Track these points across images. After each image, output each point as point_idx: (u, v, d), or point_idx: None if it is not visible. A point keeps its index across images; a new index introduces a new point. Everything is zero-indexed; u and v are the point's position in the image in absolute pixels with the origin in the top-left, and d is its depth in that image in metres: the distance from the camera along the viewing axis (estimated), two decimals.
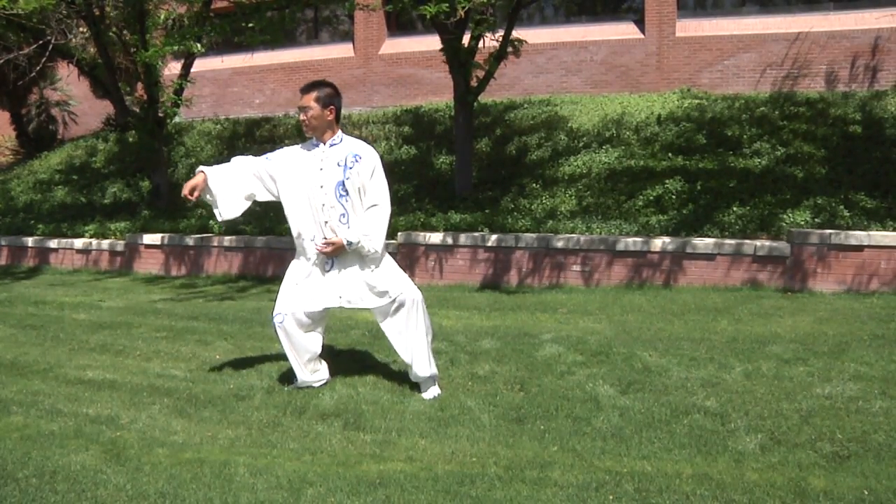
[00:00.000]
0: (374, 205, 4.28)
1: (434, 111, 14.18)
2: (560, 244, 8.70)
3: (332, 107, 4.33)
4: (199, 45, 11.15)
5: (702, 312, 6.72)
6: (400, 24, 16.28)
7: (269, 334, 6.15)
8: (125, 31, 12.61)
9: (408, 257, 9.34)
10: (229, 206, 4.50)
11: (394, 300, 4.29)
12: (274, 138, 14.66)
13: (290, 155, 4.48)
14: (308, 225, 4.38)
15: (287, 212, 4.46)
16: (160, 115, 12.38)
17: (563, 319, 6.60)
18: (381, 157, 4.49)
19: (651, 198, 9.59)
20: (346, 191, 4.29)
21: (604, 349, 5.20)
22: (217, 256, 10.76)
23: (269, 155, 4.55)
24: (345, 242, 4.25)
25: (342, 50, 16.61)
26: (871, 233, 7.76)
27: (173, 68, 13.64)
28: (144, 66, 11.64)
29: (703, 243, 8.22)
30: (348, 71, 16.22)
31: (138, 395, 4.57)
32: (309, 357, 4.47)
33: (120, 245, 11.67)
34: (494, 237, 8.98)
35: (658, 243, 8.36)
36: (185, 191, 4.37)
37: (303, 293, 4.40)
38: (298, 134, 14.45)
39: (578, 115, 12.61)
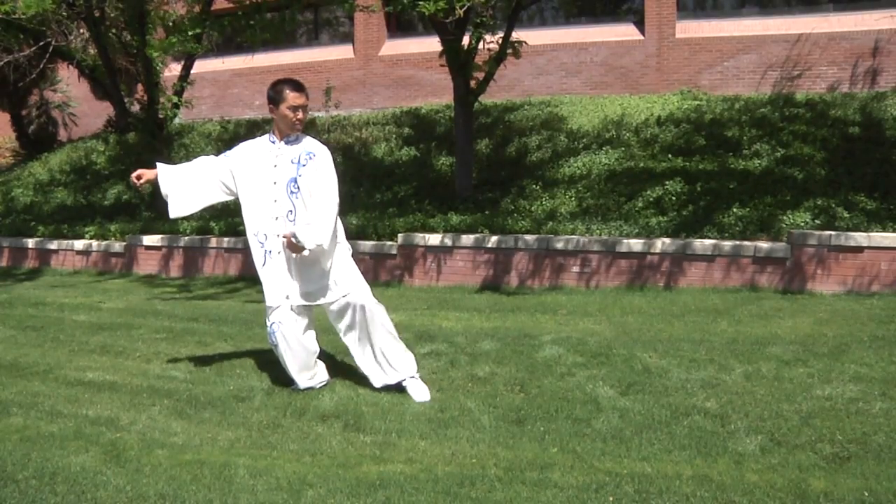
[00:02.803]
0: (322, 202, 4.28)
1: (434, 112, 14.19)
2: (560, 245, 8.70)
3: None
4: (198, 45, 11.16)
5: (702, 314, 6.72)
6: (400, 26, 16.29)
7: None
8: (125, 33, 12.62)
9: (407, 258, 9.34)
10: (179, 205, 4.62)
11: (345, 296, 4.31)
12: None
13: (246, 151, 4.53)
14: (259, 220, 4.43)
15: (242, 207, 4.52)
16: (160, 116, 12.39)
17: (563, 321, 6.60)
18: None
19: (651, 199, 9.59)
20: (298, 187, 4.32)
21: (604, 350, 5.20)
22: (216, 258, 10.77)
23: (227, 153, 4.63)
24: (291, 234, 4.25)
25: (342, 51, 16.62)
26: (871, 234, 7.76)
27: (173, 70, 13.65)
28: (144, 68, 11.64)
29: (703, 245, 8.22)
30: (348, 72, 16.23)
31: (138, 396, 4.57)
32: (307, 358, 4.47)
33: (120, 246, 11.67)
34: (494, 238, 8.98)
35: (658, 244, 8.36)
36: (133, 175, 4.56)
37: (283, 287, 4.41)
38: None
39: (578, 117, 12.62)
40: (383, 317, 4.40)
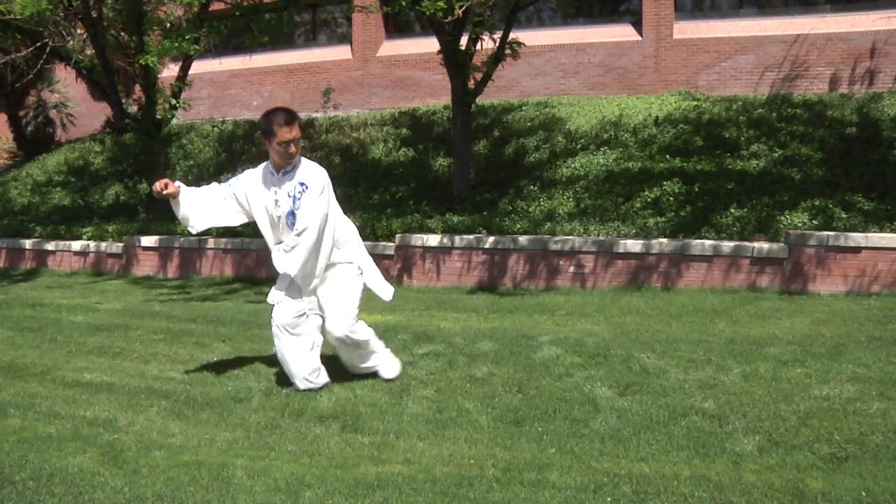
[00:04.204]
0: (299, 231, 4.35)
1: (432, 113, 14.19)
2: (558, 246, 8.71)
3: None
4: (196, 46, 11.15)
5: (700, 314, 6.72)
6: (398, 26, 16.29)
7: (267, 336, 6.14)
8: (123, 34, 12.61)
9: (405, 259, 9.34)
10: (197, 221, 4.68)
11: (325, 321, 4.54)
12: None
13: (251, 183, 4.58)
14: (271, 247, 4.59)
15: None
16: (158, 117, 12.38)
17: (561, 321, 6.60)
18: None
19: (649, 200, 9.60)
20: (296, 219, 4.38)
21: (602, 351, 5.20)
22: (213, 259, 10.76)
23: (231, 182, 4.68)
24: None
25: (340, 52, 16.61)
26: (869, 234, 7.77)
27: (171, 70, 13.64)
28: (142, 69, 11.64)
29: (701, 245, 8.22)
30: (346, 73, 16.22)
31: (136, 397, 4.57)
32: (308, 358, 4.47)
33: (117, 247, 11.66)
34: (492, 239, 8.99)
35: (656, 245, 8.37)
36: (158, 185, 4.54)
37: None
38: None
39: (576, 117, 12.62)
40: (364, 343, 4.58)
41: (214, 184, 4.78)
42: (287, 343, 4.44)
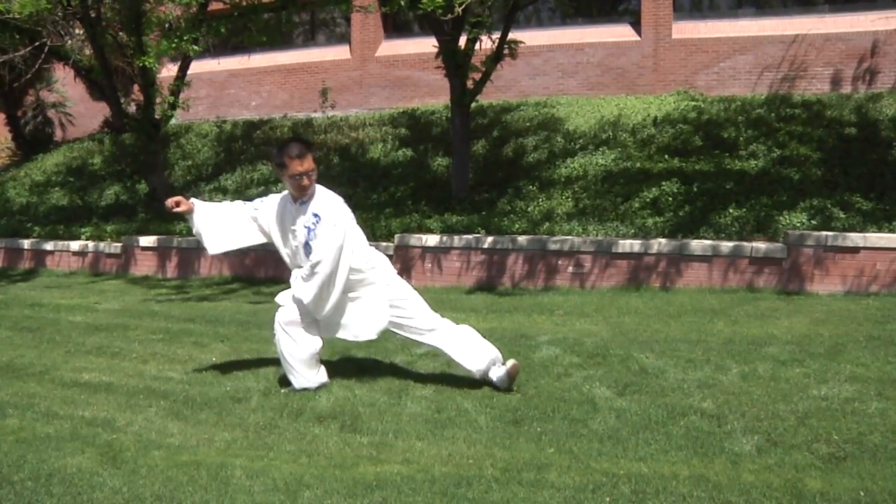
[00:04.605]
0: (313, 262, 4.31)
1: (430, 113, 14.18)
2: (556, 246, 8.71)
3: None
4: (195, 47, 11.15)
5: (698, 314, 6.73)
6: (396, 26, 16.29)
7: (265, 336, 6.14)
8: (122, 33, 12.60)
9: (404, 259, 9.34)
10: (216, 242, 4.68)
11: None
12: (270, 140, 14.65)
13: (273, 210, 4.58)
14: (295, 267, 4.56)
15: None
16: (157, 117, 12.37)
17: (559, 321, 6.60)
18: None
19: (647, 200, 9.60)
20: (311, 249, 4.36)
21: (600, 351, 5.21)
22: (212, 259, 10.73)
23: (256, 205, 4.67)
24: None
25: (339, 52, 16.60)
26: (867, 234, 7.77)
27: (170, 70, 13.63)
28: (141, 69, 11.64)
29: (700, 245, 8.23)
30: (345, 73, 16.22)
31: (134, 397, 4.56)
32: (309, 359, 4.47)
33: (116, 247, 11.65)
34: (490, 239, 8.98)
35: (654, 245, 8.37)
36: (170, 202, 4.55)
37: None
38: (294, 137, 14.45)
39: (575, 117, 12.62)
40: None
41: (239, 202, 4.76)
42: (287, 342, 4.44)
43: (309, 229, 4.34)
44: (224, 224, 4.65)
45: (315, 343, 4.48)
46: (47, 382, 4.99)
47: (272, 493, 3.15)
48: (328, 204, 4.39)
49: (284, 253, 4.59)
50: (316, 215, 4.34)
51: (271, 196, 4.68)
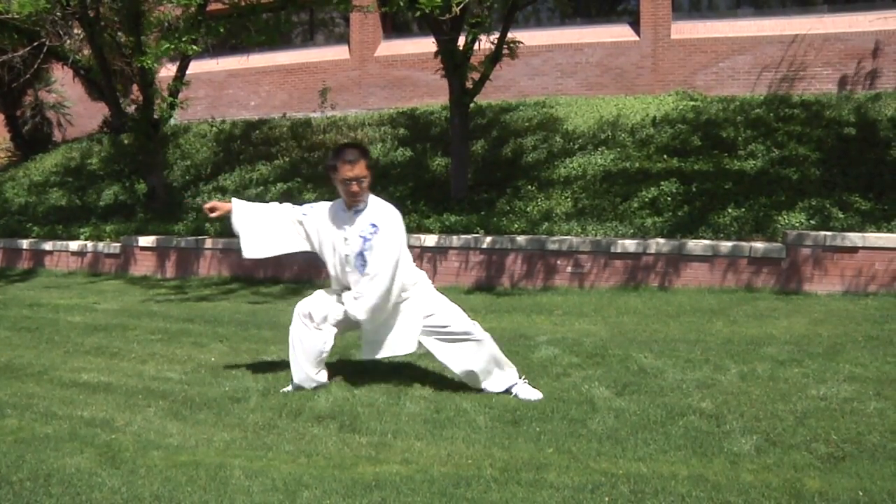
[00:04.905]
0: (374, 274, 4.27)
1: (429, 113, 14.18)
2: (555, 246, 8.71)
3: (372, 169, 4.36)
4: (194, 47, 11.15)
5: (697, 314, 6.73)
6: (395, 26, 16.29)
7: (264, 336, 6.15)
8: (121, 34, 12.59)
9: None
10: (255, 247, 4.57)
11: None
12: (269, 140, 14.64)
13: (324, 217, 4.49)
14: (340, 282, 4.48)
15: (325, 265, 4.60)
16: (155, 117, 12.36)
17: (558, 321, 6.60)
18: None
19: (646, 200, 9.60)
20: (365, 261, 4.30)
21: (599, 351, 5.21)
22: (211, 259, 10.75)
23: (306, 211, 4.57)
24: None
25: (338, 52, 16.60)
26: (866, 234, 7.78)
27: (168, 70, 13.63)
28: (140, 69, 11.63)
29: (699, 245, 8.23)
30: (344, 73, 16.22)
31: (133, 397, 4.56)
32: (315, 357, 4.47)
33: (115, 247, 11.65)
34: (489, 239, 8.99)
35: (653, 245, 8.37)
36: (207, 206, 4.49)
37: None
38: (293, 137, 14.45)
39: (574, 117, 12.62)
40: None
41: (286, 205, 4.66)
42: (300, 333, 4.44)
43: (365, 238, 4.28)
44: (266, 228, 4.55)
45: (326, 342, 4.46)
46: (46, 382, 4.99)
47: (271, 493, 3.14)
48: (386, 214, 4.35)
49: (331, 263, 4.48)
50: (374, 225, 4.29)
51: (321, 203, 4.62)
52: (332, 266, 4.49)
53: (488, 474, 3.25)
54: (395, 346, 4.42)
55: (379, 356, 4.49)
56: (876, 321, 6.14)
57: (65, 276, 11.56)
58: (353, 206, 4.36)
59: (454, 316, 4.44)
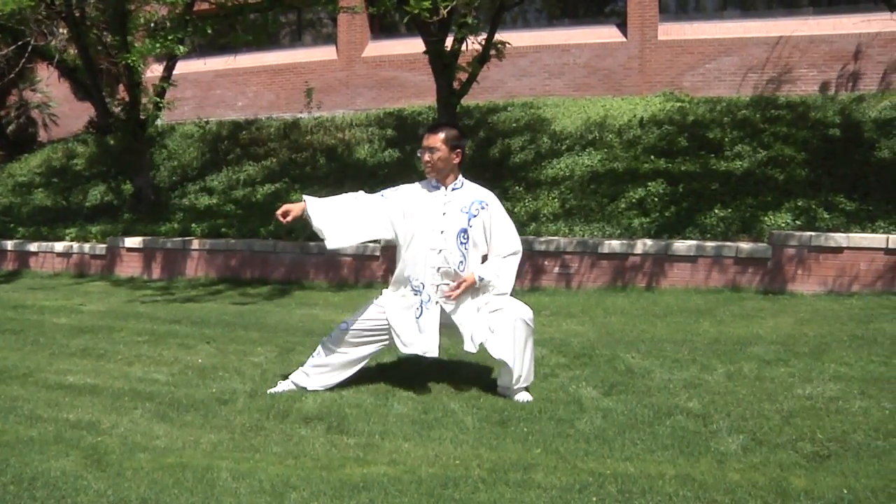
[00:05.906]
0: (513, 252, 4.29)
1: (417, 114, 14.18)
2: (542, 247, 8.73)
3: (458, 150, 4.29)
4: (181, 46, 11.10)
5: (684, 314, 6.76)
6: (383, 27, 16.28)
7: (251, 338, 6.13)
8: (106, 33, 12.52)
9: (391, 260, 9.29)
10: (338, 236, 4.37)
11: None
12: (257, 141, 14.60)
13: (409, 195, 4.39)
14: (420, 270, 4.29)
15: (401, 253, 4.38)
16: (142, 117, 12.30)
17: (545, 322, 6.62)
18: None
19: (633, 200, 9.64)
20: (468, 237, 4.26)
21: (587, 351, 5.22)
22: (198, 260, 10.70)
23: (384, 193, 4.47)
24: (476, 278, 4.22)
25: (325, 52, 16.57)
26: (851, 235, 7.84)
27: (155, 70, 13.57)
28: (126, 68, 11.57)
29: (686, 245, 8.27)
30: (331, 73, 16.19)
31: (119, 399, 4.53)
32: (334, 371, 4.45)
33: (101, 248, 11.58)
34: None
35: (640, 245, 8.41)
36: (279, 212, 4.32)
37: (399, 326, 4.33)
38: (284, 136, 14.40)
39: (561, 118, 12.66)
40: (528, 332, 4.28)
41: (361, 193, 4.54)
42: (337, 343, 4.40)
43: (471, 215, 4.25)
44: (347, 216, 4.37)
45: (349, 362, 4.44)
46: (31, 385, 4.95)
47: (258, 495, 3.13)
48: (489, 194, 4.39)
49: (422, 242, 4.27)
50: (483, 202, 4.29)
51: (402, 186, 4.52)
52: (424, 246, 4.29)
53: (476, 475, 3.26)
54: (483, 331, 4.26)
55: (480, 341, 4.25)
56: (861, 321, 6.19)
57: (50, 277, 11.48)
58: (450, 183, 4.32)
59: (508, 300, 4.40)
